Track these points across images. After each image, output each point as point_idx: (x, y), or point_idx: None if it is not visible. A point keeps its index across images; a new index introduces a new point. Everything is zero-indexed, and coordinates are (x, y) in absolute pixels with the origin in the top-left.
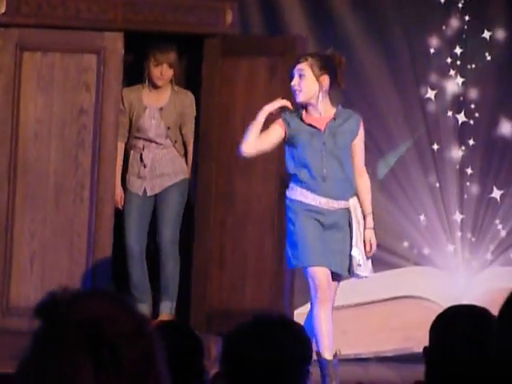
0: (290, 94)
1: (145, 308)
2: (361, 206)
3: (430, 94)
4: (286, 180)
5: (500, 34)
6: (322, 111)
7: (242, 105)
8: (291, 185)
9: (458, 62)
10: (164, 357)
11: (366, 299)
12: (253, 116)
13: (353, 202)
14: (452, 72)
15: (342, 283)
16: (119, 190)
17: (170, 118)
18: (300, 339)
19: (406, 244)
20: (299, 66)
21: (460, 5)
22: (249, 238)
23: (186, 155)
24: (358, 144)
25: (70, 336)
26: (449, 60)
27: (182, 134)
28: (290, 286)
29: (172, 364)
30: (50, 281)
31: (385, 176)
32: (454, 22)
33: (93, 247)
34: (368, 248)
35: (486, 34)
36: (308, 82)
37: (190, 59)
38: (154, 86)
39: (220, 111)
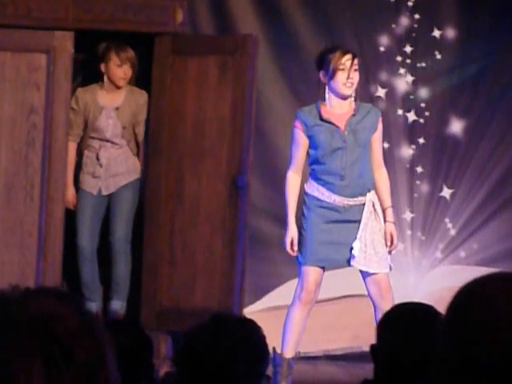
0: (239, 93)
1: (95, 306)
2: (380, 200)
3: (380, 92)
4: (236, 180)
5: (450, 33)
6: (346, 107)
7: (193, 103)
8: (309, 179)
9: (408, 61)
10: (114, 355)
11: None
12: (203, 114)
13: (369, 197)
14: (402, 70)
15: (291, 282)
16: (72, 190)
17: (126, 118)
18: (258, 340)
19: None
20: (355, 61)
21: (410, 3)
22: (199, 236)
23: (138, 154)
24: (377, 138)
25: (19, 335)
26: (399, 58)
27: (135, 134)
28: (240, 284)
29: (121, 362)
30: (1, 279)
31: None
32: (404, 21)
33: (43, 246)
34: (389, 241)
35: (436, 33)
36: (358, 77)
37: (141, 58)
38: (116, 87)
39: (170, 110)
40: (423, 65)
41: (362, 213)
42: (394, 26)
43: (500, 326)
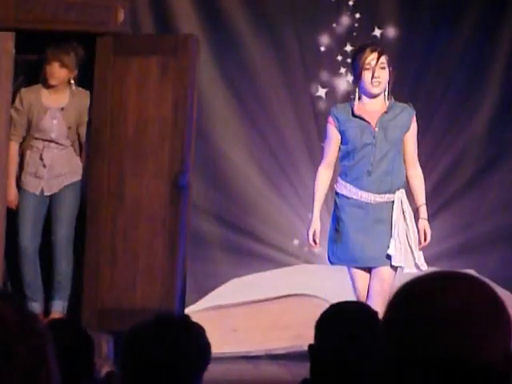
0: (180, 93)
1: (37, 306)
2: (414, 198)
3: (321, 91)
4: (177, 180)
5: (390, 32)
6: (378, 104)
7: (134, 103)
8: (338, 178)
9: (349, 60)
10: (55, 355)
11: (257, 297)
12: (144, 114)
13: (399, 195)
14: (342, 70)
15: (233, 281)
16: (14, 190)
17: (71, 118)
18: (199, 341)
19: (296, 242)
20: (382, 59)
21: (351, 2)
22: (140, 237)
23: (81, 155)
24: (410, 137)
25: None
26: (339, 58)
27: (78, 134)
28: (182, 284)
29: (62, 362)
30: None
31: (276, 174)
32: (345, 20)
33: None
34: (422, 238)
35: (377, 32)
36: (386, 75)
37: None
38: (49, 86)
39: (112, 110)
40: None
41: (390, 211)
42: (334, 25)
43: (438, 324)
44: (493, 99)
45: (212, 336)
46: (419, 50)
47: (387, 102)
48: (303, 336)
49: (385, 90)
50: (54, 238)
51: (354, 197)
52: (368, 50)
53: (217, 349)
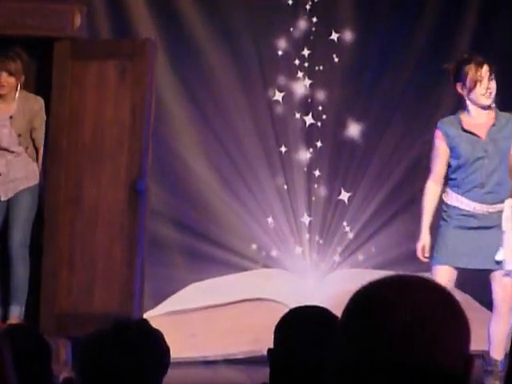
0: (138, 97)
1: None
2: None
3: (278, 96)
4: (135, 184)
5: (348, 36)
6: (486, 116)
7: (92, 108)
8: (448, 189)
9: (306, 64)
10: (12, 361)
11: (216, 302)
12: (102, 118)
13: (509, 203)
14: (300, 74)
15: (191, 286)
16: None
17: (20, 126)
18: (158, 347)
19: (254, 246)
20: (491, 70)
21: (308, 6)
22: (98, 241)
23: (37, 159)
24: None
25: None
26: (297, 62)
27: (32, 140)
28: (140, 289)
29: (20, 368)
30: None
31: (233, 178)
32: (302, 24)
33: None
34: None
35: (334, 36)
36: (495, 85)
37: (40, 63)
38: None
39: (70, 115)
40: (321, 68)
41: (498, 219)
42: (291, 29)
43: (393, 328)
44: (451, 102)
45: (170, 341)
46: (376, 53)
47: (494, 113)
48: (262, 340)
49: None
50: (10, 242)
51: (467, 208)
52: (475, 63)
53: (175, 353)
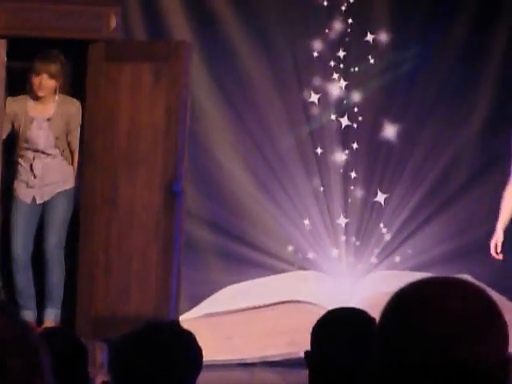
0: (173, 99)
1: (30, 315)
2: None
3: (314, 97)
4: (171, 186)
5: (383, 37)
6: None
7: (127, 110)
8: None
9: (342, 66)
10: (49, 365)
11: (252, 304)
12: (137, 121)
13: None
14: (335, 75)
15: (227, 288)
16: None
17: (58, 128)
18: (190, 348)
19: (290, 248)
20: None
21: (343, 8)
22: (133, 244)
23: (72, 162)
24: None
25: None
26: (332, 63)
27: (68, 142)
28: (176, 292)
29: (56, 371)
30: None
31: (269, 180)
32: (338, 25)
33: None
34: None
35: (369, 37)
36: None
37: (75, 65)
38: (37, 97)
39: (105, 117)
40: (356, 69)
41: None
42: (327, 30)
43: (432, 330)
44: (487, 103)
45: (207, 343)
46: (411, 54)
47: None
48: (298, 342)
49: None
50: (46, 245)
51: None
52: None
53: (212, 356)
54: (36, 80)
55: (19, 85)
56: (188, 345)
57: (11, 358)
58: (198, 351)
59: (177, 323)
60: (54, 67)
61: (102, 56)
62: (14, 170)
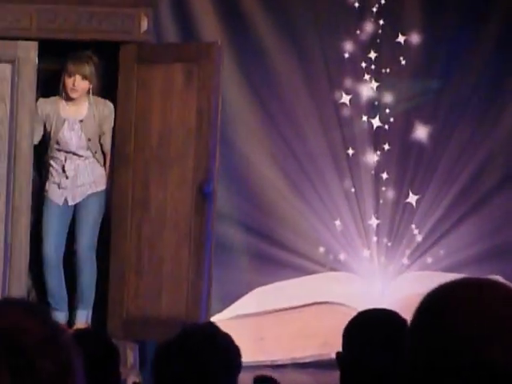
0: (204, 100)
1: (62, 316)
2: None
3: (345, 98)
4: (202, 187)
5: (414, 38)
6: None
7: (158, 112)
8: None
9: (373, 67)
10: (81, 366)
11: (284, 305)
12: (169, 122)
13: None
14: (367, 76)
15: (258, 289)
16: None
17: (91, 130)
18: (228, 350)
19: (321, 249)
20: None
21: (374, 9)
22: (165, 245)
23: (104, 164)
24: None
25: None
26: (363, 64)
27: (100, 144)
28: (207, 293)
29: (89, 372)
30: None
31: (300, 181)
32: (369, 27)
33: (9, 256)
34: None
35: (401, 38)
36: None
37: (106, 66)
38: (69, 98)
39: (136, 119)
40: (388, 71)
41: None
42: (358, 32)
43: (465, 332)
44: None
45: (238, 344)
46: (443, 55)
47: None
48: (329, 344)
49: None
50: (77, 246)
51: None
52: None
53: (243, 357)
54: (69, 81)
55: (50, 86)
56: (225, 345)
57: (41, 359)
58: (235, 351)
59: (213, 325)
60: (88, 68)
61: (133, 58)
62: (45, 172)
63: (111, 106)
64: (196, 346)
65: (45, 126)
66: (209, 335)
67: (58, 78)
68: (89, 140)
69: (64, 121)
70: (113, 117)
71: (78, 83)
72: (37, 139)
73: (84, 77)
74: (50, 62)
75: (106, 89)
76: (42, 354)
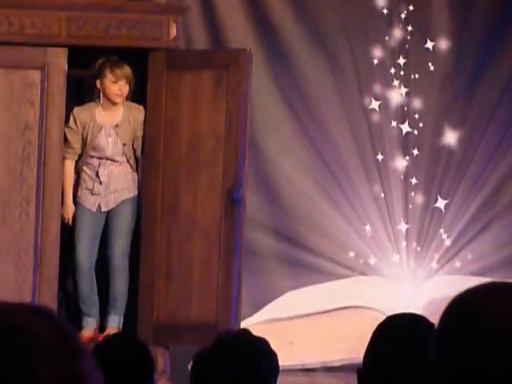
0: (234, 107)
1: (93, 322)
2: None
3: (374, 104)
4: (232, 193)
5: (443, 44)
6: None
7: (188, 118)
8: None
9: (402, 73)
10: (98, 378)
11: (313, 310)
12: (198, 128)
13: None
14: (396, 82)
15: (288, 294)
16: (71, 208)
17: (126, 135)
18: (269, 354)
19: (351, 254)
20: None
21: (403, 15)
22: (195, 250)
23: (137, 170)
24: None
25: None
26: (392, 70)
27: (134, 149)
28: (237, 298)
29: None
30: None
31: (330, 186)
32: (397, 33)
33: (39, 262)
34: None
35: (429, 44)
36: None
37: (135, 73)
38: (112, 104)
39: (165, 125)
40: (417, 76)
41: None
42: (387, 38)
43: (493, 338)
44: None
45: None
46: (471, 61)
47: None
48: (359, 348)
49: None
50: (110, 252)
51: None
52: None
53: None
54: (114, 87)
55: (76, 92)
56: (267, 350)
57: (42, 367)
58: (274, 356)
59: (248, 331)
60: (130, 72)
61: (162, 64)
62: (77, 178)
63: (143, 110)
64: (239, 351)
65: (82, 134)
66: (250, 340)
67: (92, 84)
68: (124, 145)
69: (101, 128)
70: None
71: (123, 88)
72: (78, 151)
73: (128, 81)
74: (73, 68)
75: (134, 95)
76: (42, 361)
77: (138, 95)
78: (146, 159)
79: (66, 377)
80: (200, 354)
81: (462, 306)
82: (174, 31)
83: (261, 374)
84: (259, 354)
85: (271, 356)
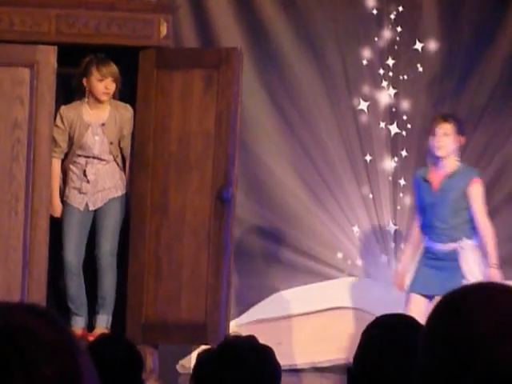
0: (224, 106)
1: (81, 321)
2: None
3: (363, 105)
4: (221, 193)
5: (432, 45)
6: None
7: (178, 117)
8: None
9: (391, 74)
10: (95, 376)
11: (302, 310)
12: (188, 128)
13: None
14: (384, 83)
15: (277, 294)
16: (58, 207)
17: (112, 134)
18: (269, 364)
19: (339, 255)
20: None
21: (392, 16)
22: (184, 250)
23: (124, 169)
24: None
25: None
26: (381, 71)
27: (120, 148)
28: (226, 298)
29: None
30: None
31: (319, 187)
32: (387, 34)
33: (28, 260)
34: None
35: (418, 46)
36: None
37: (125, 72)
38: (99, 102)
39: (155, 124)
40: (405, 77)
41: (454, 256)
42: (376, 39)
43: (479, 338)
44: None
45: None
46: (460, 62)
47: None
48: (346, 348)
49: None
50: (98, 251)
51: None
52: (436, 118)
53: None
54: (100, 85)
55: (64, 90)
56: (269, 360)
57: (43, 366)
58: (277, 367)
59: (255, 338)
60: (116, 70)
61: (152, 63)
62: (64, 177)
63: (131, 109)
64: (243, 357)
65: (68, 133)
66: (255, 348)
67: (79, 83)
68: (111, 144)
69: (88, 126)
70: (132, 120)
71: (110, 86)
72: (65, 149)
73: (114, 79)
74: (63, 66)
75: (124, 94)
76: (43, 360)
77: (128, 94)
78: (136, 158)
79: (66, 375)
80: (204, 355)
81: (443, 307)
82: (164, 30)
83: (268, 380)
84: (263, 362)
85: (274, 366)
